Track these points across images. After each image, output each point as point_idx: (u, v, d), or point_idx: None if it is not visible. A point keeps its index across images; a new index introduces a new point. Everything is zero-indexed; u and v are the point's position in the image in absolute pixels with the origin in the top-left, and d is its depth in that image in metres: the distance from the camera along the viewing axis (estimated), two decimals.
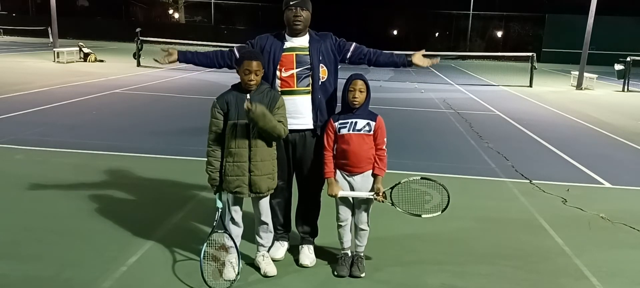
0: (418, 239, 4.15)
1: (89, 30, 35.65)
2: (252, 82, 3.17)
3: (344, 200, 3.42)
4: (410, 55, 3.59)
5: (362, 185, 3.36)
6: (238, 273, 3.24)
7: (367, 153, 3.33)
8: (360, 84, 3.31)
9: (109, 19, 42.88)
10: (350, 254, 3.52)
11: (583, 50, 17.98)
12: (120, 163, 5.88)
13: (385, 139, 3.40)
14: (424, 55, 3.59)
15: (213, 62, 3.57)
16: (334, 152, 3.42)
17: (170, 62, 3.53)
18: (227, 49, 3.63)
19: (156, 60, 3.54)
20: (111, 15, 44.07)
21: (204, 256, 3.22)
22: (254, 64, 3.17)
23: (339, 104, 3.51)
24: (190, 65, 3.75)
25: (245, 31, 34.84)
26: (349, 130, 3.33)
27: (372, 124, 3.34)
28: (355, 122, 3.33)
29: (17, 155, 6.12)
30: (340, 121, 3.36)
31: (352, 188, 3.39)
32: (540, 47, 35.48)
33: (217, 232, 3.30)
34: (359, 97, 3.31)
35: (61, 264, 3.41)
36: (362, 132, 3.33)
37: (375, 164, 3.37)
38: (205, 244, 3.25)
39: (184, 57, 3.59)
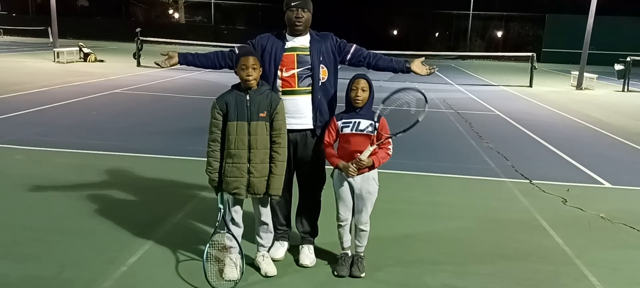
0: (418, 239, 4.15)
1: (89, 30, 35.68)
2: (250, 77, 3.16)
3: (344, 201, 3.42)
4: (409, 62, 3.60)
5: (362, 186, 3.36)
6: (242, 273, 3.24)
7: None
8: (363, 83, 3.31)
9: (109, 19, 42.89)
10: (350, 254, 3.52)
11: (583, 50, 17.99)
12: (120, 163, 5.88)
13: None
14: (423, 63, 3.59)
15: (214, 63, 3.55)
16: (335, 152, 3.41)
17: (171, 65, 3.54)
18: (228, 49, 3.62)
19: (157, 64, 3.54)
20: (111, 15, 44.09)
21: (206, 257, 3.22)
22: (250, 60, 3.16)
23: (339, 104, 3.50)
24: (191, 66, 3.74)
25: (245, 31, 34.87)
26: (351, 130, 3.32)
27: (376, 124, 3.33)
28: (359, 122, 3.32)
29: (17, 155, 6.12)
30: (344, 120, 3.35)
31: (352, 190, 3.38)
32: (540, 47, 35.54)
33: (219, 232, 3.30)
34: (362, 96, 3.30)
35: (61, 264, 3.41)
36: (365, 132, 3.32)
37: (376, 149, 3.32)
38: (207, 245, 3.25)
39: (185, 60, 3.58)
